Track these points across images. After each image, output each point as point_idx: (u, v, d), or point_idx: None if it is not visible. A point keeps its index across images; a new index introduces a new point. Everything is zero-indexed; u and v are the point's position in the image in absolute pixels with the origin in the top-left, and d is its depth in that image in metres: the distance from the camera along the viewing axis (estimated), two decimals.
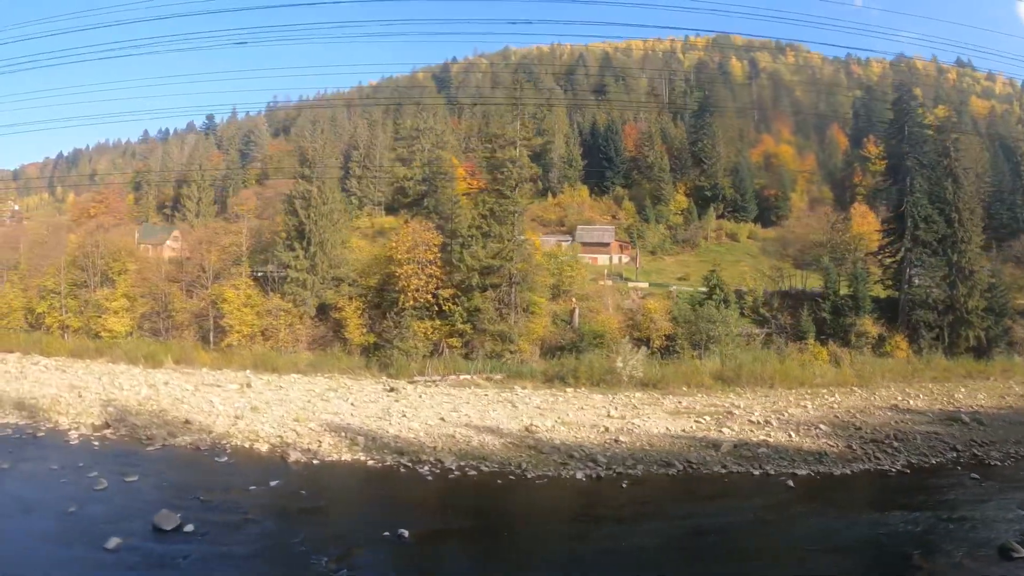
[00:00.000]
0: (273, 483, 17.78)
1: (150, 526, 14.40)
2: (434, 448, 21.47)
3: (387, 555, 13.83)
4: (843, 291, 42.15)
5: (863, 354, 40.17)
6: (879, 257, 46.92)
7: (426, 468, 19.77)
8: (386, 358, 34.62)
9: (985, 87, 76.06)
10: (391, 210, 61.05)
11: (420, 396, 29.34)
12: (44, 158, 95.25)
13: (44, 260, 46.58)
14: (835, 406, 29.60)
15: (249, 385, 30.22)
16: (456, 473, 19.54)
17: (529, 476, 19.51)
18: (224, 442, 21.46)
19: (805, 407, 29.13)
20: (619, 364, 33.48)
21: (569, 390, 31.82)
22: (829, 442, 23.51)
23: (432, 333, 36.01)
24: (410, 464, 20.04)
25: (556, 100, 72.63)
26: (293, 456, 20.11)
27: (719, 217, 64.36)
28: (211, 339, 38.73)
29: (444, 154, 40.28)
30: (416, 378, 32.76)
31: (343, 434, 22.43)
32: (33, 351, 41.25)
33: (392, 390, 30.42)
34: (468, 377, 33.29)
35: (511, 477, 19.43)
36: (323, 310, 38.72)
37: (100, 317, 40.57)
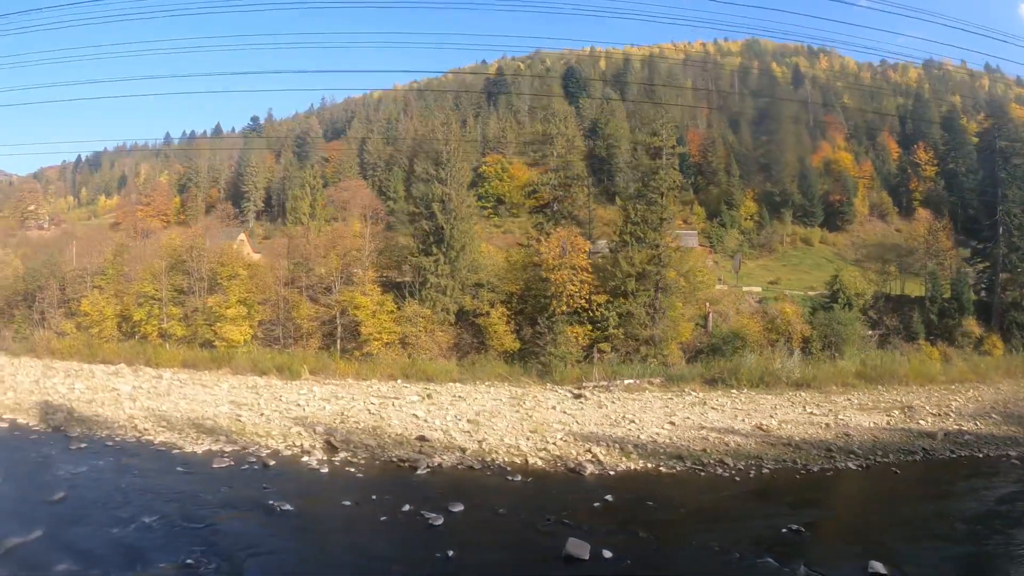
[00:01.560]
0: (608, 497, 16.91)
1: (562, 558, 13.11)
2: (703, 451, 21.31)
3: (805, 548, 13.76)
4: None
5: (967, 353, 41.72)
6: (972, 263, 48.96)
7: (719, 470, 19.72)
8: (544, 364, 33.73)
9: (1017, 93, 79.33)
10: None
11: (613, 402, 28.68)
12: (62, 161, 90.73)
13: (134, 265, 44.15)
14: (980, 399, 31.09)
15: (430, 396, 28.95)
16: (752, 472, 19.58)
17: (814, 470, 19.97)
18: (490, 459, 20.29)
19: (957, 400, 30.49)
20: (778, 365, 33.89)
21: (734, 391, 31.87)
22: (1011, 428, 25.21)
23: (582, 338, 35.27)
24: (698, 467, 19.95)
25: (617, 104, 72.86)
26: (589, 469, 19.22)
27: (781, 222, 65.25)
28: (338, 347, 37.13)
29: (575, 159, 39.51)
30: (585, 384, 32.00)
31: (602, 443, 21.70)
32: (137, 362, 38.96)
33: (579, 396, 29.68)
34: (632, 382, 32.70)
35: (802, 472, 19.85)
36: (457, 316, 37.53)
37: (213, 325, 38.43)
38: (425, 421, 24.31)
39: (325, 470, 19.37)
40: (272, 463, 19.88)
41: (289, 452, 21.01)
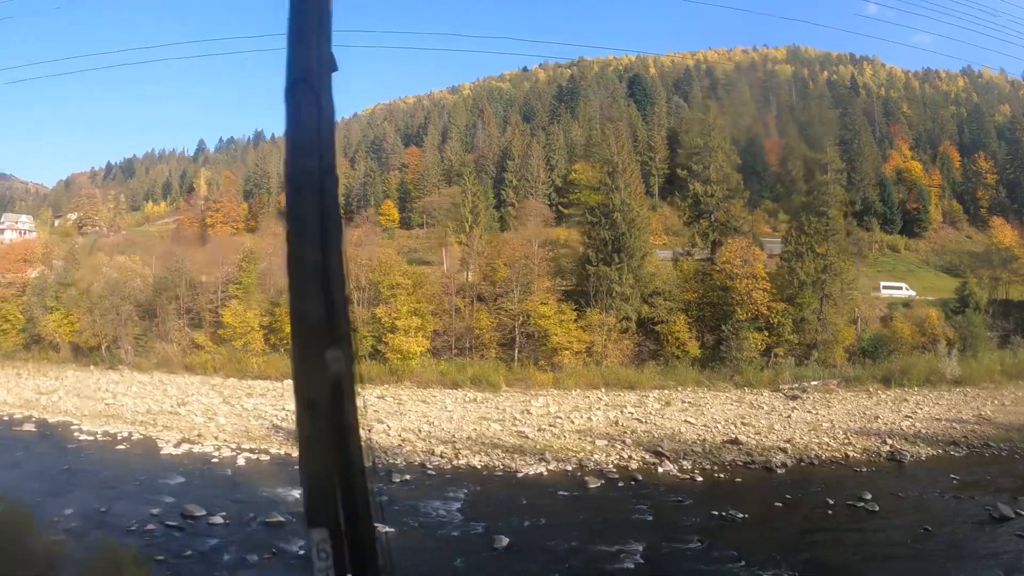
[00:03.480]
0: (953, 476, 20.88)
1: (997, 518, 16.65)
2: (964, 437, 25.48)
3: None
4: None
5: None
6: None
7: (992, 451, 23.93)
8: (732, 369, 36.80)
9: None
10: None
11: (830, 403, 32.36)
12: (91, 168, 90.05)
13: (272, 275, 45.29)
14: None
15: (669, 403, 31.90)
16: (1019, 453, 23.74)
17: None
18: (813, 454, 24.04)
19: None
20: (941, 365, 37.94)
21: (907, 389, 35.74)
22: None
23: (760, 343, 38.47)
24: (975, 449, 24.13)
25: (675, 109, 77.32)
26: (907, 456, 23.38)
27: (868, 230, 69.85)
28: (516, 357, 39.34)
29: (729, 170, 42.91)
30: (781, 386, 35.22)
31: (884, 436, 25.46)
32: None
33: (795, 398, 33.12)
34: (816, 383, 36.07)
35: None
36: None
37: (383, 337, 39.96)
38: (705, 426, 27.13)
39: (700, 478, 21.53)
40: (640, 477, 21.51)
41: (634, 465, 22.79)
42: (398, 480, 21.42)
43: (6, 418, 32.39)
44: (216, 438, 27.22)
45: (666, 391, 34.84)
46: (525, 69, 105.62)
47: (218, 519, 17.85)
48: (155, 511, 18.19)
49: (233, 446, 25.80)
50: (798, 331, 39.02)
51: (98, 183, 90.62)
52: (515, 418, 29.44)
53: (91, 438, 28.08)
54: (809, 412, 29.60)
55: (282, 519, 17.73)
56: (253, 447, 25.69)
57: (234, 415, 31.62)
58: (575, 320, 38.95)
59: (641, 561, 15.02)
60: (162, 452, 25.58)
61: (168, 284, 46.74)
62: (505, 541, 16.05)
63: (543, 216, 49.76)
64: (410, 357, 39.64)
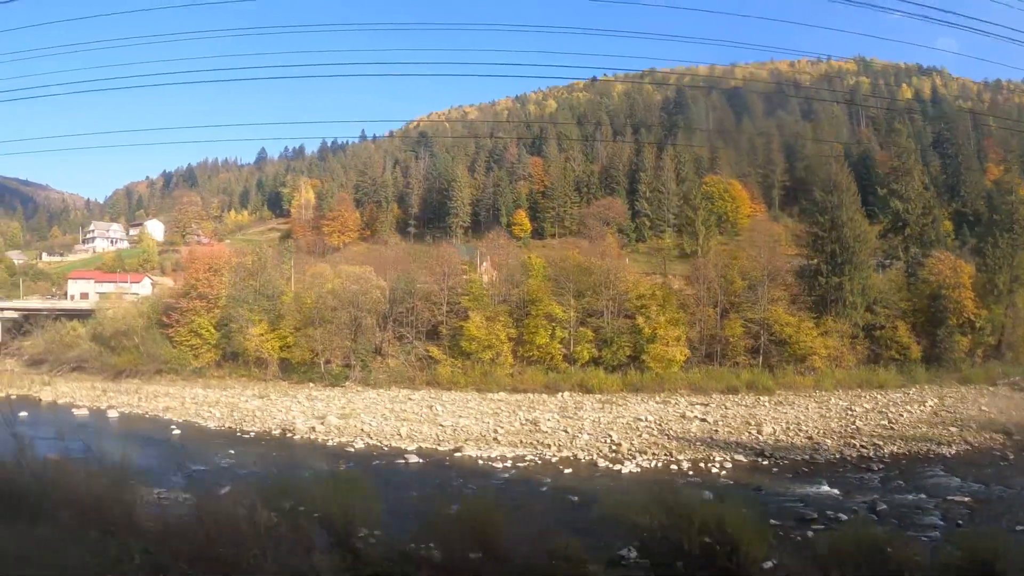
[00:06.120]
0: None
1: None
2: None
3: None
4: None
5: None
6: None
7: None
8: (951, 368, 50.57)
9: None
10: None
11: None
12: (146, 177, 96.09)
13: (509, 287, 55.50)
14: None
15: (942, 399, 44.57)
16: None
17: None
18: None
19: None
20: None
21: None
22: None
23: (963, 345, 52.39)
24: None
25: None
26: None
27: None
28: (760, 361, 51.62)
29: (922, 189, 57.02)
30: (998, 382, 49.19)
31: None
32: (564, 388, 49.70)
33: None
34: (1018, 378, 50.22)
35: None
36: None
37: (645, 346, 50.95)
38: (1000, 412, 39.82)
39: None
40: None
41: (1007, 443, 33.33)
42: (876, 468, 29.76)
43: (351, 449, 35.42)
44: (643, 453, 32.22)
45: (912, 389, 47.86)
46: (594, 79, 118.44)
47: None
48: None
49: (674, 459, 31.21)
50: (995, 333, 53.36)
51: (156, 192, 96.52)
52: (850, 414, 40.42)
53: (506, 465, 31.21)
54: None
55: None
56: (698, 457, 31.52)
57: (609, 429, 37.08)
58: (814, 327, 51.77)
59: None
60: (622, 472, 29.67)
61: (402, 295, 55.39)
62: None
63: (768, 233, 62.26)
64: (672, 365, 51.03)
